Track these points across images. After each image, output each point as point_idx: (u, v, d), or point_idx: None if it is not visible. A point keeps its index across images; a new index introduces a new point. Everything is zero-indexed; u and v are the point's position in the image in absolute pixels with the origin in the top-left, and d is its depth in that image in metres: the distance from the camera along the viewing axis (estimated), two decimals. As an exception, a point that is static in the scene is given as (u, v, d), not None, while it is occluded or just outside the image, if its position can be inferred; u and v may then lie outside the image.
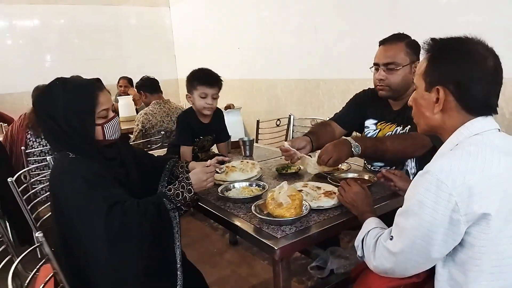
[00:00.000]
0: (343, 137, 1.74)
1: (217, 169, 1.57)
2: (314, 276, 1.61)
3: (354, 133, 2.05)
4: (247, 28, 4.14)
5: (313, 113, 3.47)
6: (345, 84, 3.15)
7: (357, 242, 1.20)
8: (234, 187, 1.66)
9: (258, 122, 3.46)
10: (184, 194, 1.36)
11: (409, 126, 1.71)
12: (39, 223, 2.14)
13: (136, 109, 4.33)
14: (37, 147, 2.99)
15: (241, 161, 1.91)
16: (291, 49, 3.59)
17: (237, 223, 1.40)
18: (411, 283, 1.10)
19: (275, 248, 1.20)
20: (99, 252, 1.26)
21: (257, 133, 3.48)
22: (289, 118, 3.59)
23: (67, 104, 1.34)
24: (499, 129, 1.02)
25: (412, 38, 1.74)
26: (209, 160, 1.54)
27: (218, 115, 2.23)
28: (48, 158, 2.38)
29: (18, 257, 1.75)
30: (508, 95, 2.12)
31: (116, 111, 3.27)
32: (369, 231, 1.18)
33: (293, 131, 3.56)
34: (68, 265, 1.33)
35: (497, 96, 1.02)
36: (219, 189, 1.63)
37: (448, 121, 1.01)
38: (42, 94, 1.39)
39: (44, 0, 4.65)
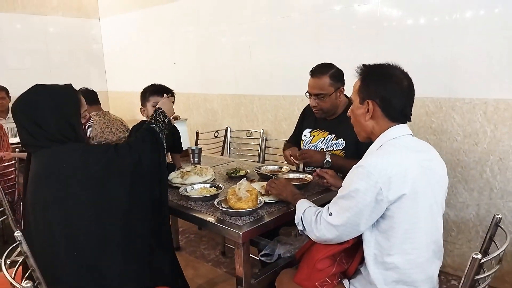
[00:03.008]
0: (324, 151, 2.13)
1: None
2: (264, 262, 1.86)
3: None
4: (183, 44, 4.33)
5: (249, 125, 3.78)
6: (277, 100, 3.51)
7: (297, 219, 1.48)
8: (193, 188, 1.88)
9: (197, 133, 3.67)
10: (163, 120, 1.69)
11: (342, 139, 2.11)
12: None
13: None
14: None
15: (194, 167, 2.13)
16: (227, 67, 3.88)
17: (202, 217, 1.62)
18: (343, 248, 1.41)
19: (240, 233, 1.45)
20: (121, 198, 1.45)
21: (196, 144, 3.68)
22: (226, 130, 3.87)
23: (55, 107, 1.45)
24: (411, 134, 1.39)
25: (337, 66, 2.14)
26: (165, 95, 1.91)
27: (173, 130, 2.31)
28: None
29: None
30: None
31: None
32: (305, 210, 1.47)
33: (230, 141, 3.84)
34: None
35: (410, 108, 1.38)
36: (180, 190, 1.83)
37: (376, 127, 1.37)
38: (25, 100, 1.47)
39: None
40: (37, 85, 1.53)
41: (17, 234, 1.38)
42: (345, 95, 2.16)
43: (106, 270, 1.45)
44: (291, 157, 2.14)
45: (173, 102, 2.21)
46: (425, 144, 1.41)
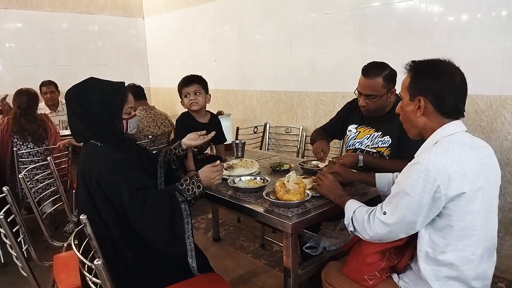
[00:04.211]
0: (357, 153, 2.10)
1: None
2: (308, 254, 1.90)
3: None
4: (224, 41, 4.42)
5: (288, 122, 3.81)
6: (317, 97, 3.52)
7: (347, 220, 1.48)
8: (240, 180, 1.94)
9: (237, 128, 3.75)
10: (194, 189, 1.59)
11: (388, 137, 2.08)
12: (44, 216, 2.29)
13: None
14: (25, 150, 3.07)
15: (240, 160, 2.19)
16: (267, 63, 3.92)
17: (251, 207, 1.68)
18: (396, 246, 1.42)
19: (290, 223, 1.50)
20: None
21: (236, 139, 3.75)
22: (265, 126, 3.92)
23: (101, 98, 1.58)
24: (466, 131, 1.36)
25: (389, 64, 2.06)
26: (218, 161, 1.76)
27: (214, 118, 2.47)
28: (48, 158, 2.50)
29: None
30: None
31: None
32: (354, 210, 1.46)
33: (268, 137, 3.89)
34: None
35: (463, 103, 1.36)
36: (228, 181, 1.90)
37: (429, 123, 1.34)
38: (78, 90, 1.61)
39: (20, 6, 4.65)
40: (91, 78, 1.66)
41: (82, 217, 1.48)
42: (396, 94, 2.12)
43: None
44: (318, 153, 2.16)
45: (208, 96, 2.32)
46: (481, 141, 1.39)
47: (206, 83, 2.36)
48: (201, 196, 1.63)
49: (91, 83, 1.63)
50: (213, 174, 1.65)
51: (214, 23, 4.52)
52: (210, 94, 2.37)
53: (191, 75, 2.36)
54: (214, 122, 2.43)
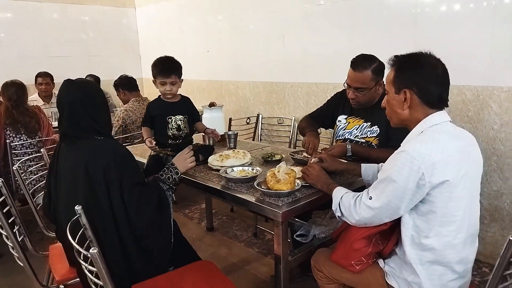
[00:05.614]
0: (346, 143, 2.15)
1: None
2: (299, 242, 1.95)
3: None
4: (216, 32, 4.42)
5: (280, 112, 3.85)
6: (309, 88, 3.56)
7: (335, 206, 1.53)
8: (232, 170, 1.97)
9: (230, 119, 3.77)
10: (174, 176, 1.76)
11: (377, 127, 2.14)
12: (39, 207, 2.30)
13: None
14: (18, 142, 3.08)
15: (233, 151, 2.23)
16: (260, 54, 3.94)
17: (243, 196, 1.72)
18: (380, 230, 1.47)
19: (280, 212, 1.54)
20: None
21: (229, 130, 3.78)
22: (257, 117, 3.95)
23: (102, 98, 1.68)
24: (450, 121, 1.41)
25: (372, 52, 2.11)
26: (187, 148, 1.90)
27: (184, 99, 2.39)
28: (42, 150, 2.51)
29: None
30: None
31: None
32: (342, 196, 1.51)
33: (261, 128, 3.92)
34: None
35: (447, 93, 1.41)
36: (220, 171, 1.94)
37: (414, 114, 1.39)
38: (84, 99, 1.61)
39: (8, -4, 4.61)
40: (70, 81, 1.64)
41: (77, 208, 1.51)
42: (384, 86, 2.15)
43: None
44: (310, 149, 2.11)
45: (181, 81, 2.28)
46: (464, 131, 1.44)
47: (181, 67, 2.29)
48: (180, 181, 1.80)
49: (82, 86, 1.64)
50: (186, 159, 1.82)
51: (206, 13, 4.51)
52: (182, 79, 2.30)
53: (167, 62, 2.26)
54: (185, 103, 2.37)
